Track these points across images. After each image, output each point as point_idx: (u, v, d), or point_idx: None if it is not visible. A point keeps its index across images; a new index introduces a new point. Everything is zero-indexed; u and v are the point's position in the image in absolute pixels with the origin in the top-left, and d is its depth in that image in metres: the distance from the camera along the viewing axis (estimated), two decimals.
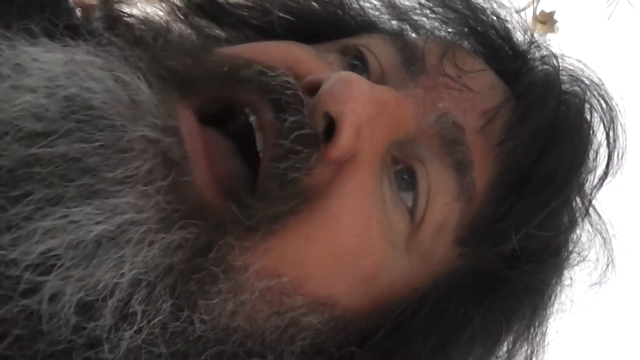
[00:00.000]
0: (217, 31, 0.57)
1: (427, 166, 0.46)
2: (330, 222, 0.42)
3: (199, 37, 0.56)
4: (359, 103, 0.42)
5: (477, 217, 0.46)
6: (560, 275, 0.50)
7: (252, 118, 0.43)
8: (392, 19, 0.56)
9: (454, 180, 0.46)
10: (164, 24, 0.55)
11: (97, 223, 0.35)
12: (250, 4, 0.56)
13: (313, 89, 0.43)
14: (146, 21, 0.55)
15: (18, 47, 0.39)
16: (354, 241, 0.43)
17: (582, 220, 0.50)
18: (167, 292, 0.37)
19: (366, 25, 0.56)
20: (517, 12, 0.51)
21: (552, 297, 0.50)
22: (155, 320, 0.36)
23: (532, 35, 0.53)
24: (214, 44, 0.54)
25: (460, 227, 0.46)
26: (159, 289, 0.36)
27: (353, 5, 0.56)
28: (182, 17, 0.56)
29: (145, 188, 0.36)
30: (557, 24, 1.02)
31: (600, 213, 0.51)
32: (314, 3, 0.56)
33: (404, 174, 0.46)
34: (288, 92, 0.42)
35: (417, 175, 0.46)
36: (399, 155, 0.46)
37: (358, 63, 0.49)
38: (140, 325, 0.36)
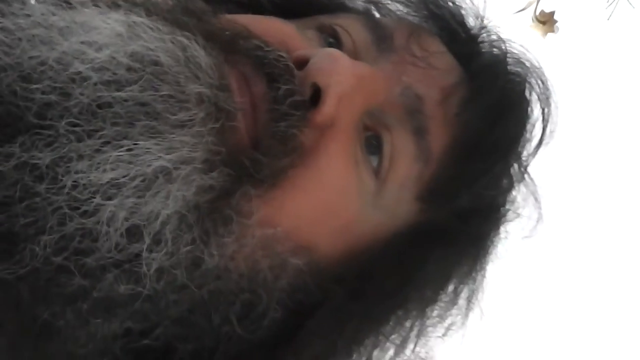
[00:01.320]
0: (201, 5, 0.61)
1: (392, 132, 0.53)
2: (320, 178, 0.49)
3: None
4: (343, 76, 0.49)
5: (434, 177, 0.53)
6: (498, 229, 0.59)
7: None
8: (360, 0, 0.63)
9: (413, 144, 0.53)
10: None
11: (157, 158, 0.41)
12: None
13: (301, 62, 0.50)
14: None
15: (78, 8, 0.43)
16: (336, 196, 0.50)
17: (519, 183, 0.59)
18: (192, 226, 0.43)
19: (338, 4, 0.62)
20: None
21: (491, 247, 0.59)
22: (180, 248, 0.42)
23: (482, 20, 0.61)
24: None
25: (420, 185, 0.53)
26: (186, 221, 0.42)
27: None
28: None
29: (200, 129, 0.42)
30: (557, 24, 1.04)
31: (533, 177, 0.61)
32: None
33: (372, 140, 0.53)
34: (281, 65, 0.48)
35: (382, 140, 0.53)
36: (369, 123, 0.53)
37: (333, 41, 0.56)
38: (169, 250, 0.42)
